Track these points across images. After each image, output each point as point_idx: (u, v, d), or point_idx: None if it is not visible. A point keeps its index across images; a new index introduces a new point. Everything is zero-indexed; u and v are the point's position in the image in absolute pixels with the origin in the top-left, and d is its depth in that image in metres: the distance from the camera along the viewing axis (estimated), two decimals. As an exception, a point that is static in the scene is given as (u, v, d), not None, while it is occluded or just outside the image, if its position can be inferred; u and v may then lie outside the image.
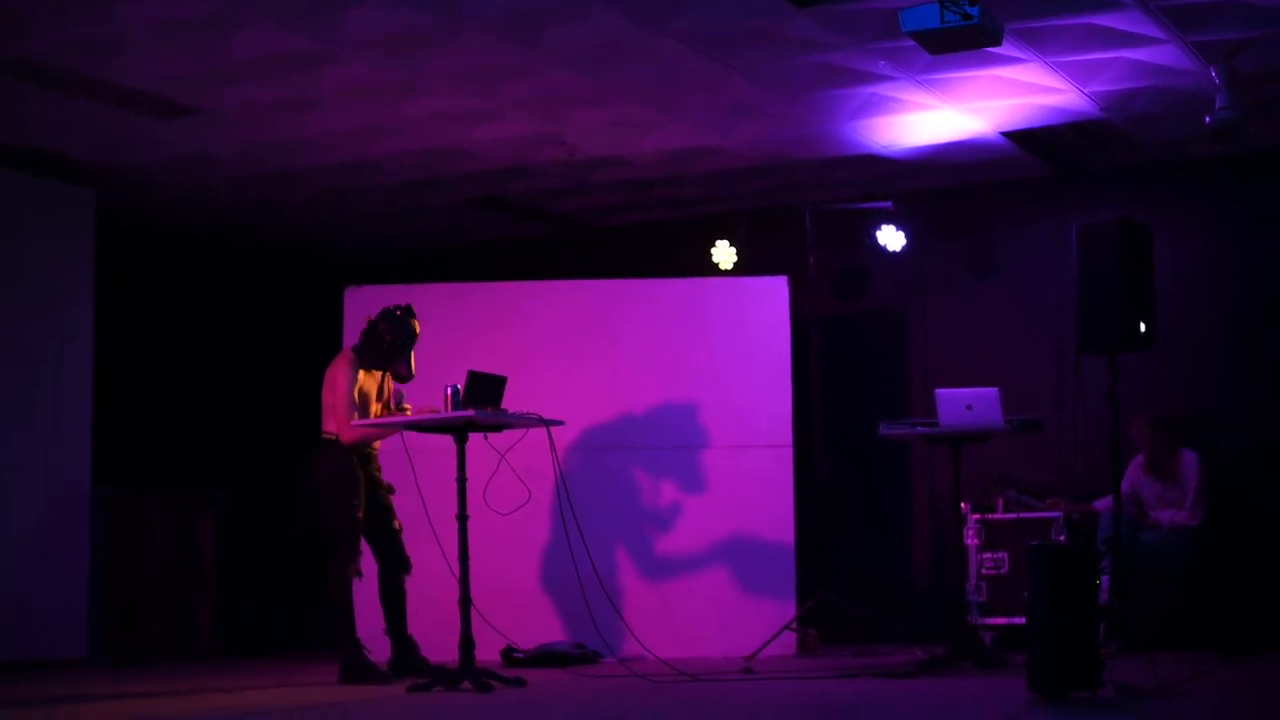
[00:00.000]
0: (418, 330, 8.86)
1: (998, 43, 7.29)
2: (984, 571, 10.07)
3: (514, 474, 8.76)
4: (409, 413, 8.82)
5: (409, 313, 8.83)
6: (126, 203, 11.29)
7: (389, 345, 8.76)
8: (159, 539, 11.12)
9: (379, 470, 8.95)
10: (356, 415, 8.68)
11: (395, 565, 8.93)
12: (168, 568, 11.11)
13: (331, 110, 9.42)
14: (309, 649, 10.93)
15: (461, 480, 8.20)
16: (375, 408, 8.85)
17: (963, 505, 9.67)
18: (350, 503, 8.70)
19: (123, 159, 10.35)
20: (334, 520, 8.71)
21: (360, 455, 8.81)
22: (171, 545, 11.19)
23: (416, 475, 8.77)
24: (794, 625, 10.04)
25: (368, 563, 8.85)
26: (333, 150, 10.26)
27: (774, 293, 10.52)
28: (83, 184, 10.69)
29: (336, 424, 8.74)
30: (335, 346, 9.97)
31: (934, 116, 9.74)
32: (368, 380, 8.84)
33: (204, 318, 12.55)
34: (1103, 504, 9.89)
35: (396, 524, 8.96)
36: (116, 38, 8.23)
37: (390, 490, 8.98)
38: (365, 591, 8.84)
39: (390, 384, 8.99)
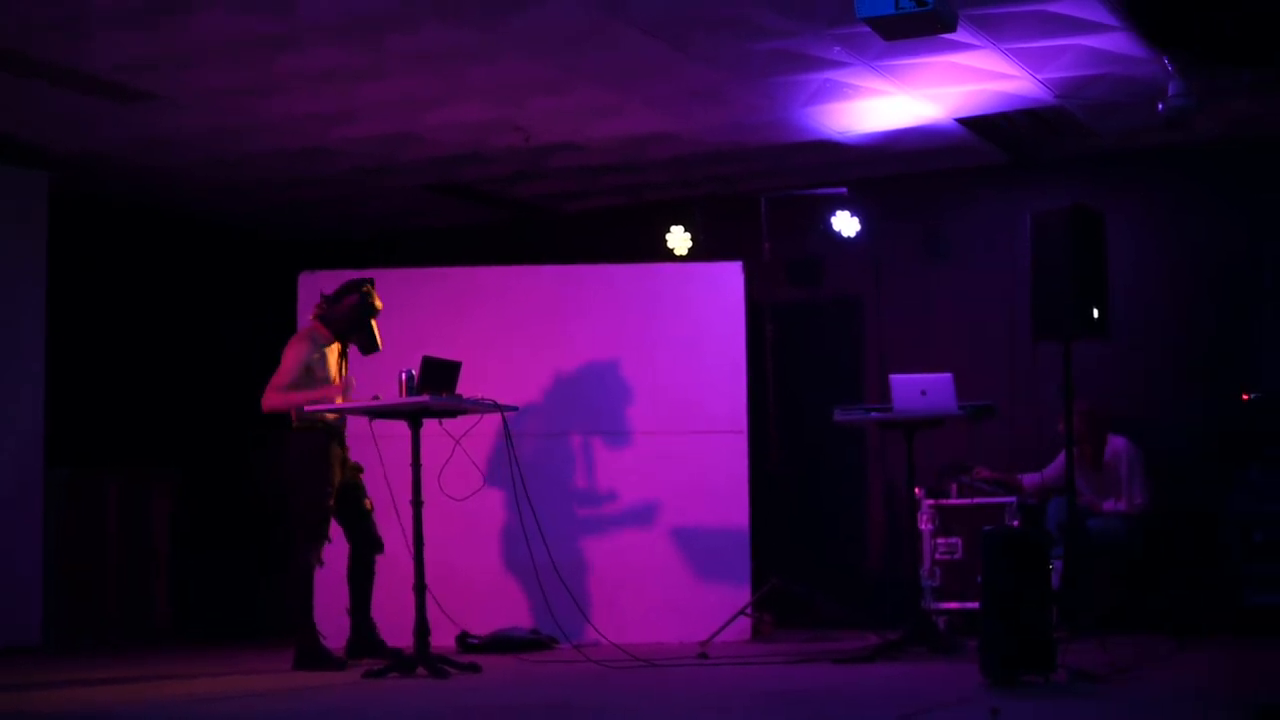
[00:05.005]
0: (379, 304, 8.84)
1: (952, 29, 7.30)
2: (938, 557, 10.11)
3: (469, 459, 8.75)
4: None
5: (372, 285, 8.84)
6: (81, 182, 11.21)
7: (354, 315, 8.76)
8: (113, 518, 11.12)
9: (347, 449, 8.91)
10: (287, 390, 8.60)
11: (367, 545, 8.91)
12: (122, 547, 11.12)
13: (288, 94, 9.37)
14: (263, 629, 10.93)
15: (416, 466, 8.19)
16: (343, 386, 8.80)
17: (917, 490, 9.70)
18: (322, 490, 8.66)
19: (78, 142, 10.28)
20: (302, 508, 8.68)
21: (333, 434, 8.77)
22: (125, 524, 11.20)
23: (383, 460, 8.72)
24: (749, 611, 10.05)
25: (340, 544, 8.85)
26: (289, 134, 10.21)
27: (729, 278, 10.51)
28: (36, 167, 10.61)
29: (278, 397, 8.66)
30: (288, 327, 9.94)
31: (889, 103, 9.76)
32: (330, 358, 8.81)
33: (157, 296, 12.49)
34: (1030, 477, 10.00)
35: (368, 503, 8.93)
36: (73, 20, 8.16)
37: (359, 469, 8.95)
38: (331, 570, 8.82)
39: (346, 368, 8.95)
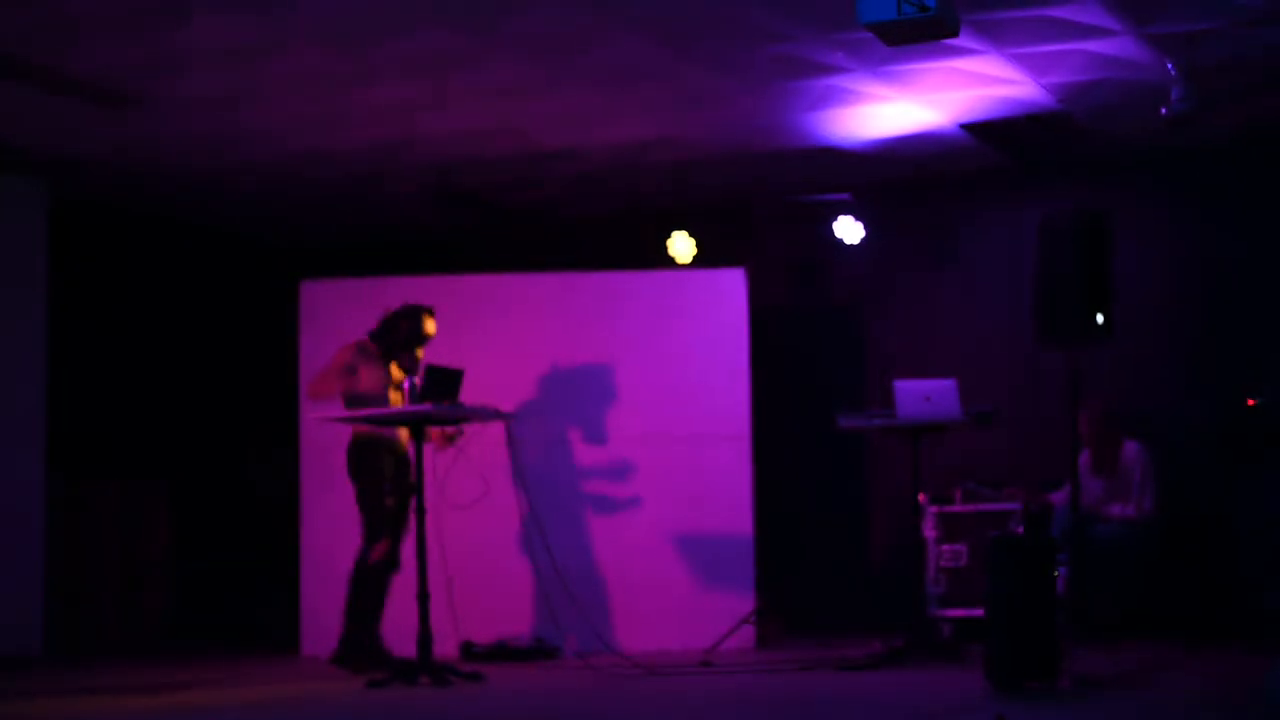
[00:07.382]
0: (431, 331, 9.05)
1: (955, 34, 7.27)
2: (942, 563, 10.07)
3: (471, 468, 8.73)
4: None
5: (430, 313, 9.08)
6: (79, 191, 11.18)
7: (403, 338, 8.98)
8: (110, 526, 11.12)
9: (408, 465, 9.00)
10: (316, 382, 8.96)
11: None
12: (119, 555, 11.14)
13: (282, 100, 9.33)
14: (260, 637, 10.92)
15: (419, 474, 8.18)
16: (394, 396, 8.96)
17: (921, 497, 9.67)
18: (370, 493, 8.87)
19: (73, 149, 10.24)
20: (363, 509, 8.89)
21: (383, 445, 8.96)
22: (122, 532, 11.20)
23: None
24: (753, 617, 10.03)
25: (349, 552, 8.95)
26: (285, 140, 10.17)
27: (732, 285, 10.48)
28: (32, 174, 10.57)
29: (309, 387, 9.07)
30: (287, 336, 9.95)
31: (891, 108, 9.73)
32: (375, 371, 8.96)
33: (157, 304, 12.44)
34: (1059, 495, 9.93)
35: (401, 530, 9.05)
36: (64, 26, 8.13)
37: (412, 490, 9.02)
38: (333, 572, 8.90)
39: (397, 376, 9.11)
